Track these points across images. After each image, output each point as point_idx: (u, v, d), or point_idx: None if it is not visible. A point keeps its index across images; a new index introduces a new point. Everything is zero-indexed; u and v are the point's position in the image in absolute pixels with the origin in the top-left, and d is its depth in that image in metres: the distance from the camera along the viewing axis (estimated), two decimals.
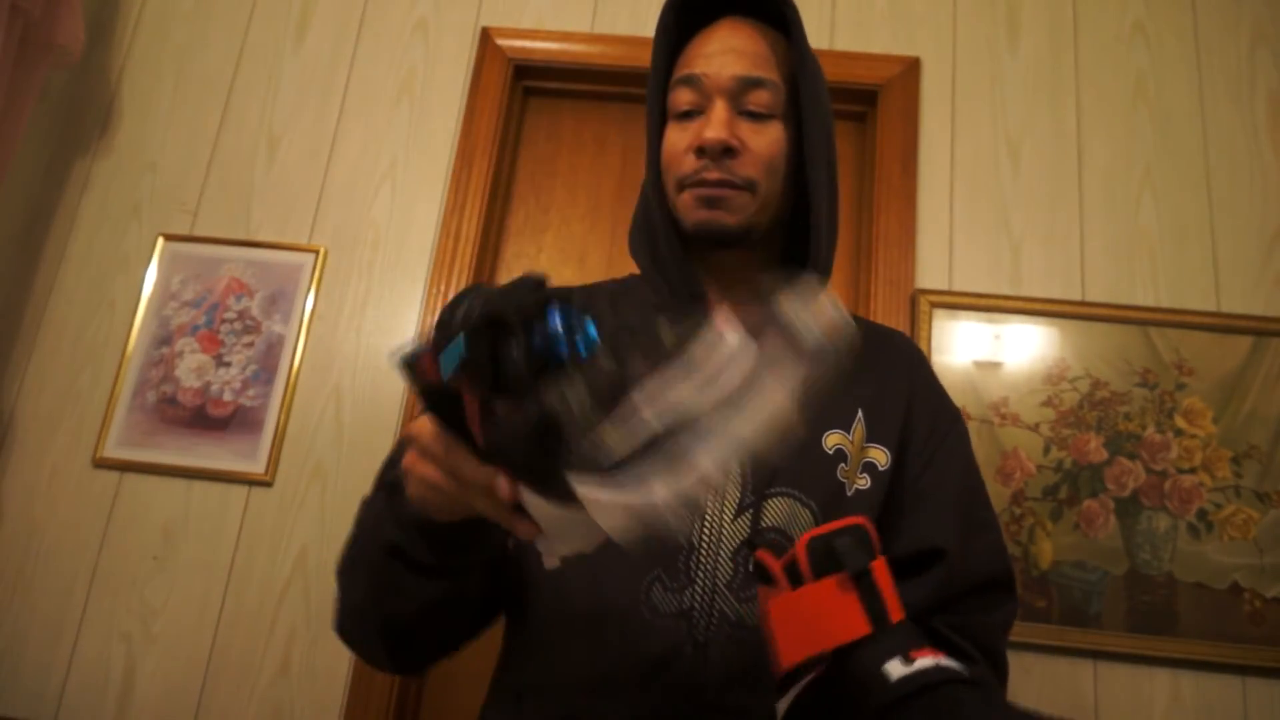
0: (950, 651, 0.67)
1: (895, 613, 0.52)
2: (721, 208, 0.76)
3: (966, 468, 0.79)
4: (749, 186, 0.76)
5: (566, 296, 0.40)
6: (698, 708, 0.64)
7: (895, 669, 0.49)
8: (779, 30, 0.81)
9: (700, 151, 0.75)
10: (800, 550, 0.53)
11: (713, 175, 0.75)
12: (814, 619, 0.52)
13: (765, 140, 0.77)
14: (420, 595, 0.61)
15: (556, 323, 0.39)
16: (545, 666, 0.70)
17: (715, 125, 0.75)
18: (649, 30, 1.81)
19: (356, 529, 0.69)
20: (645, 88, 0.84)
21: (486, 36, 1.69)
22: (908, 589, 0.58)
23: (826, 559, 0.52)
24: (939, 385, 0.84)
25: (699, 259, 0.81)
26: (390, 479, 0.61)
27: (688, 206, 0.77)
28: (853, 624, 0.51)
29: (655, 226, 0.81)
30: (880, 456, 0.74)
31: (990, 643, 0.71)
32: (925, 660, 0.49)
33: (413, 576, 0.60)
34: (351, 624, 0.70)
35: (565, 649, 0.68)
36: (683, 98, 0.78)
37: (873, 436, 0.75)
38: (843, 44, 1.65)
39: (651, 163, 0.82)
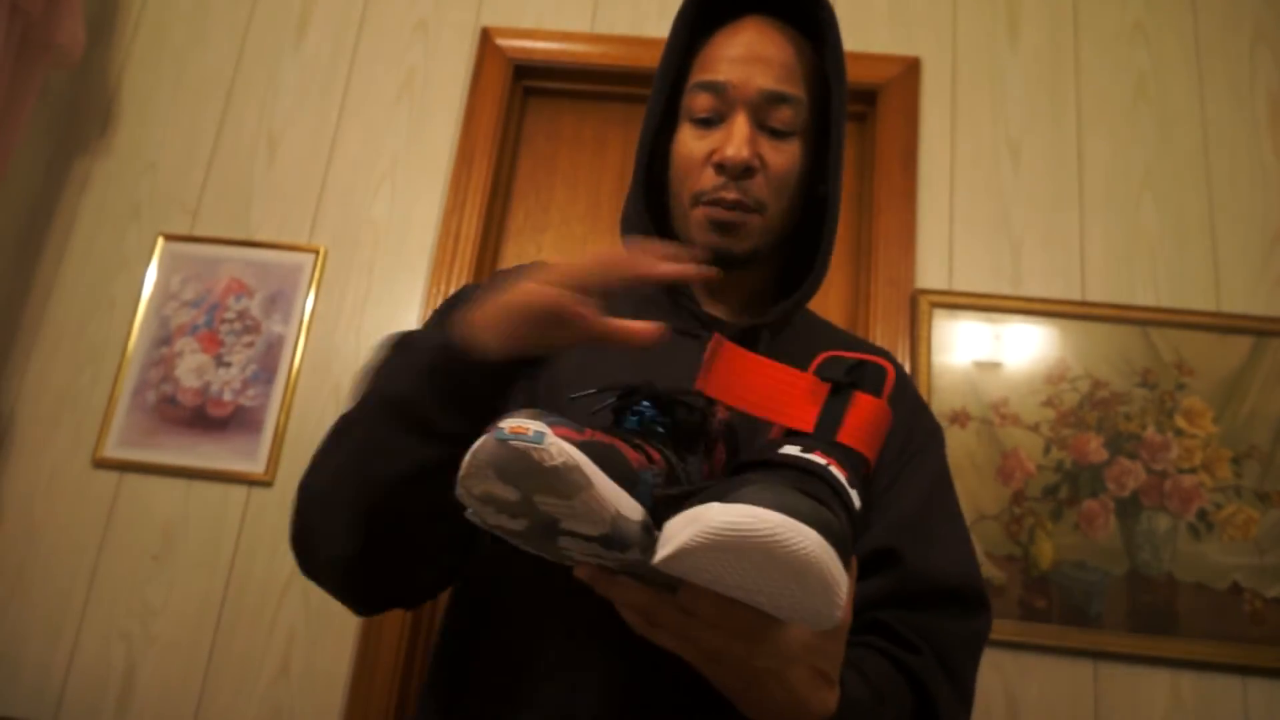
0: (894, 640, 0.66)
1: (850, 438, 0.51)
2: (733, 235, 0.75)
3: (934, 480, 0.76)
4: (760, 208, 0.74)
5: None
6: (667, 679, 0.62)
7: (789, 450, 0.50)
8: (804, 33, 0.78)
9: (720, 168, 0.73)
10: (815, 361, 0.55)
11: (730, 195, 0.73)
12: (763, 388, 0.53)
13: (784, 159, 0.75)
14: (410, 457, 0.57)
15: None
16: (507, 649, 0.66)
17: (738, 143, 0.72)
18: (649, 30, 1.82)
19: (350, 402, 0.65)
20: (646, 87, 0.82)
21: (486, 36, 1.69)
22: (858, 587, 0.57)
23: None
24: (919, 404, 0.82)
25: None
26: (399, 339, 0.64)
27: (700, 226, 0.75)
28: (796, 416, 0.52)
29: (640, 231, 0.80)
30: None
31: (944, 648, 0.67)
32: (818, 457, 0.49)
33: (408, 436, 0.57)
34: (319, 496, 0.63)
35: (535, 634, 0.65)
36: (703, 103, 0.75)
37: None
38: (843, 44, 1.65)
39: (642, 156, 0.79)
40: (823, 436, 0.51)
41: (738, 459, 0.54)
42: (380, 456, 0.58)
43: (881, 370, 0.53)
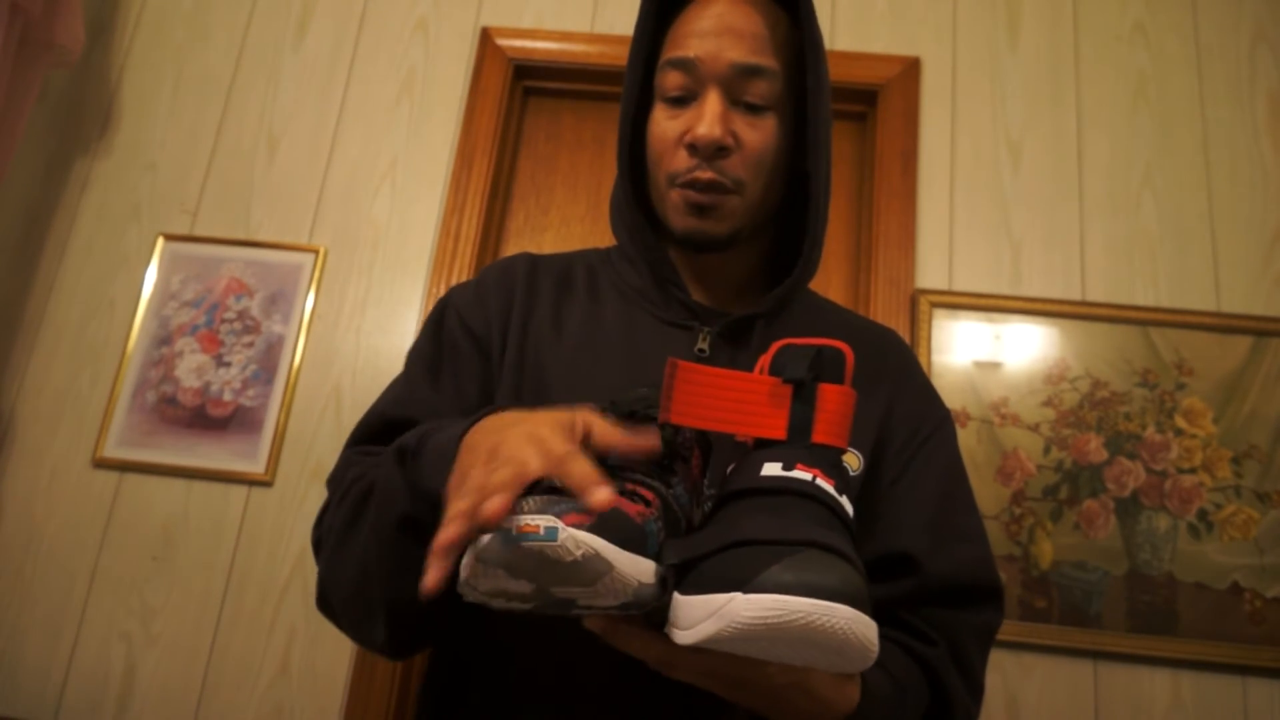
0: (910, 632, 0.66)
1: (824, 435, 0.51)
2: (711, 216, 0.72)
3: (948, 473, 0.75)
4: (738, 188, 0.72)
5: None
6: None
7: (770, 469, 0.49)
8: (779, 4, 0.75)
9: (692, 149, 0.71)
10: (769, 352, 0.54)
11: (705, 175, 0.71)
12: (727, 403, 0.52)
13: (759, 135, 0.72)
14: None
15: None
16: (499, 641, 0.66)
17: (709, 122, 0.69)
18: None
19: (346, 495, 0.65)
20: None
21: (486, 36, 1.69)
22: (874, 590, 0.57)
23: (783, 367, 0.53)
24: (927, 386, 0.80)
25: (679, 251, 0.79)
26: (400, 445, 0.59)
27: (676, 209, 0.74)
28: (767, 425, 0.51)
29: (628, 217, 0.78)
30: (852, 461, 0.71)
31: (957, 640, 0.67)
32: (801, 474, 0.49)
33: (423, 551, 0.57)
34: (346, 602, 0.64)
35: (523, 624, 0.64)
36: (673, 81, 0.72)
37: None
38: (843, 44, 1.65)
39: (624, 141, 0.77)
40: (798, 442, 0.51)
41: (725, 486, 0.52)
42: (407, 572, 0.56)
43: (839, 354, 0.53)
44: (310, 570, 1.43)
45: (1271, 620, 1.33)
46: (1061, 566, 1.37)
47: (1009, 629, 1.34)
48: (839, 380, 0.52)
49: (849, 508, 0.49)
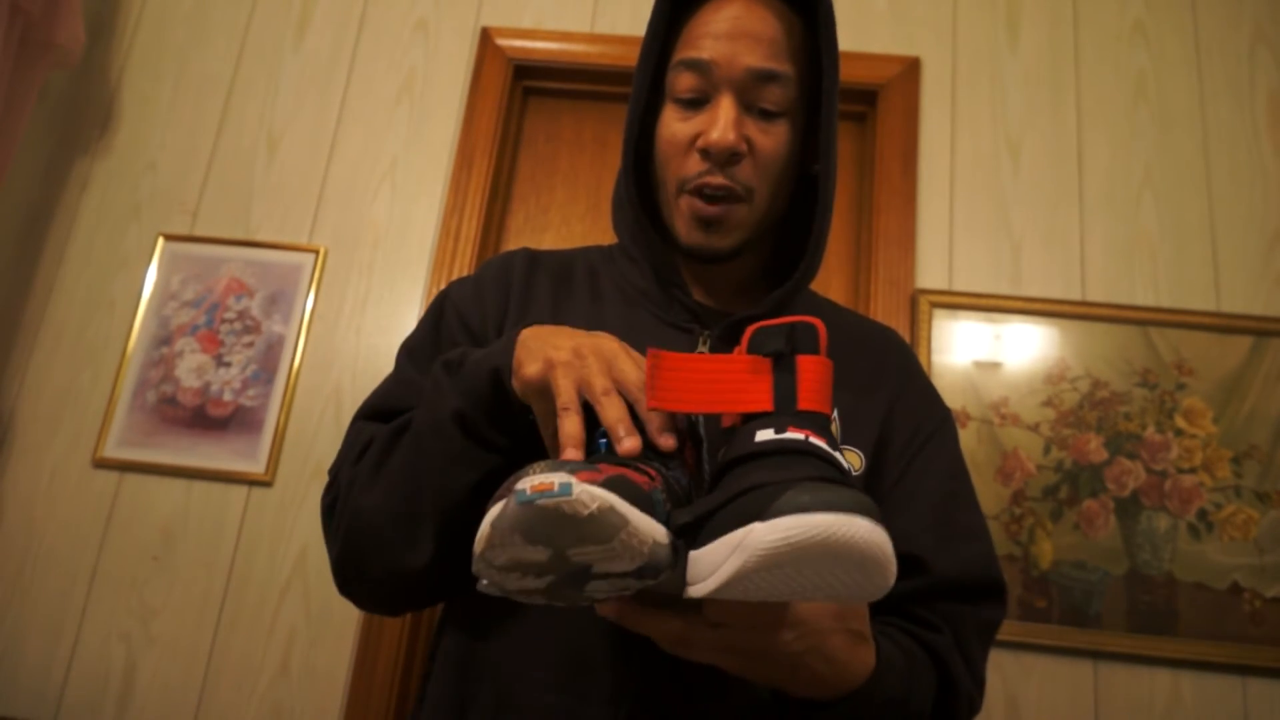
0: (916, 621, 0.67)
1: (809, 403, 0.52)
2: (718, 231, 0.72)
3: (950, 471, 0.75)
4: (748, 195, 0.72)
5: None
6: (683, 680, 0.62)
7: (764, 435, 0.50)
8: (792, 6, 0.74)
9: (705, 154, 0.70)
10: (745, 337, 0.55)
11: (716, 180, 0.70)
12: (709, 385, 0.53)
13: (772, 142, 0.71)
14: (481, 466, 0.61)
15: None
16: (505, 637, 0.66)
17: (723, 127, 0.69)
18: None
19: (371, 442, 0.67)
20: None
21: (486, 36, 1.69)
22: None
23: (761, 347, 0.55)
24: (928, 386, 0.80)
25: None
26: (445, 360, 0.64)
27: (684, 220, 0.73)
28: (751, 400, 0.52)
29: (631, 218, 0.78)
30: (854, 460, 0.71)
31: (961, 633, 0.67)
32: (794, 435, 0.49)
33: (474, 446, 0.61)
34: (386, 526, 0.63)
35: (530, 621, 0.64)
36: (686, 82, 0.71)
37: (846, 439, 0.72)
38: (843, 44, 1.64)
39: (630, 140, 0.76)
40: (786, 411, 0.51)
41: (721, 459, 0.53)
42: (457, 465, 0.61)
43: (812, 328, 0.53)
44: (310, 570, 1.44)
45: (1271, 620, 1.33)
46: (1061, 566, 1.37)
47: (1009, 629, 1.34)
48: (815, 353, 0.53)
49: (844, 462, 0.50)
